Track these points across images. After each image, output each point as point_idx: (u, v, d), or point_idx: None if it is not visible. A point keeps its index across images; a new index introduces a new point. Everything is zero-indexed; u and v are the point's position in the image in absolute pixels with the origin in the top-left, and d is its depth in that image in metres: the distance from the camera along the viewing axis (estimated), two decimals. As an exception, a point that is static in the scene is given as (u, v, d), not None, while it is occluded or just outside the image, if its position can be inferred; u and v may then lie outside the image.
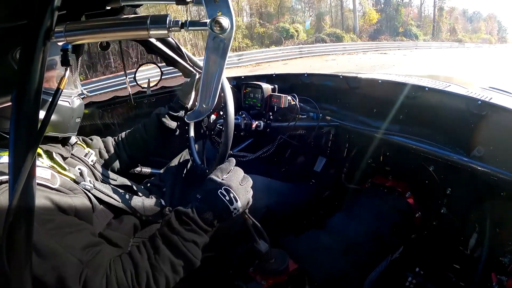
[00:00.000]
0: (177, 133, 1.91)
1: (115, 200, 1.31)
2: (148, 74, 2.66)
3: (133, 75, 2.23)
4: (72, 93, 1.31)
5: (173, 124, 1.85)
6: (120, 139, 1.81)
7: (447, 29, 43.20)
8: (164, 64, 2.31)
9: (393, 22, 36.41)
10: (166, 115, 1.83)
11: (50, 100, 0.70)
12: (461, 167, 1.58)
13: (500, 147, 1.49)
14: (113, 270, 0.99)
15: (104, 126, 2.31)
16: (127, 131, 1.86)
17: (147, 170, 1.91)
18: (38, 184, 0.98)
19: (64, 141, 1.37)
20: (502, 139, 1.50)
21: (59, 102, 0.67)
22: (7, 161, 0.66)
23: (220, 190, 1.15)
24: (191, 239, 1.09)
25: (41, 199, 0.96)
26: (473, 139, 1.58)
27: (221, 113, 1.67)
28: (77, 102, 1.34)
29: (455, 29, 44.45)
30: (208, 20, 0.73)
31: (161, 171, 2.00)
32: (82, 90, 1.42)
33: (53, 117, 1.08)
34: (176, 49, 2.21)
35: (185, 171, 1.98)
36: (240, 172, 1.25)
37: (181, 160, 2.06)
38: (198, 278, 1.25)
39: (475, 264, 1.59)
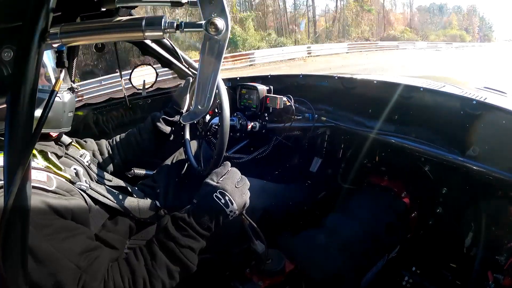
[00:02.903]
0: (172, 138, 1.91)
1: (110, 200, 1.31)
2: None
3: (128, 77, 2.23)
4: (61, 87, 1.31)
5: (167, 129, 1.84)
6: (114, 142, 1.81)
7: (361, 23, 37.00)
8: (159, 65, 2.30)
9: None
10: (161, 120, 1.83)
11: (45, 101, 0.70)
12: (457, 166, 1.59)
13: (495, 147, 1.50)
14: (110, 276, 0.99)
15: (99, 128, 2.30)
16: (122, 134, 1.85)
17: (141, 171, 1.90)
18: (34, 187, 0.96)
19: (57, 139, 1.36)
20: (497, 139, 1.51)
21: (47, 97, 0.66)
22: (1, 164, 0.66)
23: (215, 193, 1.16)
24: (187, 245, 1.10)
25: (37, 203, 0.95)
26: (468, 138, 1.58)
27: (216, 110, 1.67)
28: (67, 96, 1.33)
29: (391, 23, 38.39)
30: (203, 22, 0.73)
31: (154, 172, 1.99)
32: (71, 84, 1.41)
33: None
34: (171, 51, 2.20)
35: (178, 172, 1.98)
36: (236, 174, 1.25)
37: (174, 161, 2.06)
38: (195, 280, 1.25)
39: (471, 262, 1.59)
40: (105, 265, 1.01)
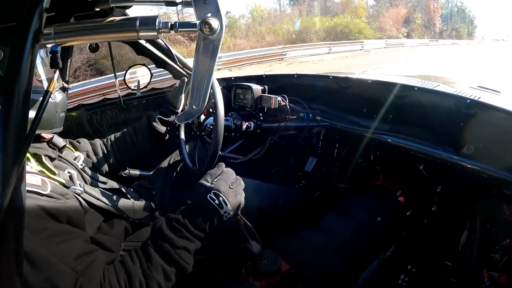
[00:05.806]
0: (167, 137, 1.90)
1: (105, 203, 1.30)
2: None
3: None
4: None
5: (162, 129, 1.85)
6: (109, 141, 1.80)
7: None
8: (154, 65, 2.30)
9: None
10: (157, 119, 1.82)
11: (38, 102, 0.69)
12: (451, 165, 1.59)
13: (489, 145, 1.51)
14: (107, 279, 0.99)
15: (93, 129, 2.29)
16: (117, 133, 1.84)
17: (136, 172, 1.89)
18: (29, 191, 0.95)
19: (50, 141, 1.36)
20: (491, 137, 1.52)
21: (40, 98, 0.66)
22: None
23: (209, 194, 1.16)
24: (183, 246, 1.10)
25: (32, 207, 0.94)
26: (462, 137, 1.59)
27: (211, 110, 1.67)
28: (59, 96, 1.33)
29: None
30: (197, 22, 0.73)
31: (151, 173, 1.99)
32: (63, 84, 1.40)
33: None
34: (166, 51, 2.20)
35: (174, 173, 1.97)
36: (230, 175, 1.25)
37: (170, 162, 2.05)
38: (191, 280, 1.25)
39: (467, 260, 1.60)
40: (101, 268, 1.00)
